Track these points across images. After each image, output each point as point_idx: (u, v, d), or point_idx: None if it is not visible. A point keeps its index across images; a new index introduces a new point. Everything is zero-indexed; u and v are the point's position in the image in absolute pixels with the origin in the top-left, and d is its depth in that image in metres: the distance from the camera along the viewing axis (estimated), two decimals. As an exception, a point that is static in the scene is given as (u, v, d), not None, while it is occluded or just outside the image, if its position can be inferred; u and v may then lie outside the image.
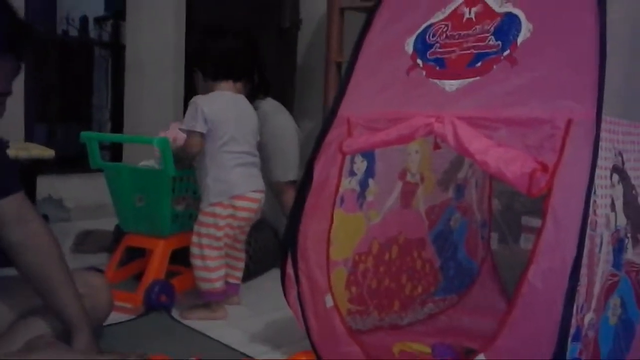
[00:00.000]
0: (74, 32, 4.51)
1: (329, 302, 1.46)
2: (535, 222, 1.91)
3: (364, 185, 1.60)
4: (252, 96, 2.19)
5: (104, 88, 4.35)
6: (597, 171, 0.97)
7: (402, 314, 1.77)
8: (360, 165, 1.57)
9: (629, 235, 1.10)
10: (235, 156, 1.81)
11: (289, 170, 2.39)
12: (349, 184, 1.55)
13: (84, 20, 4.46)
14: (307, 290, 1.45)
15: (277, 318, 1.76)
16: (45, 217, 2.72)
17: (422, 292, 1.83)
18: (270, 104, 2.42)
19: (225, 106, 1.83)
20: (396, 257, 1.75)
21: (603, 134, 0.99)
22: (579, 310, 0.97)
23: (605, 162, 1.01)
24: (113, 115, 3.89)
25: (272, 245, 2.33)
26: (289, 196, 2.25)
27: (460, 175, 1.89)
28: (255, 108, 2.03)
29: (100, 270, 1.90)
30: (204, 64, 1.89)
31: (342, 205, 1.54)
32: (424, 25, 1.31)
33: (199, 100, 1.81)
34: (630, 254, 1.10)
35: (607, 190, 1.02)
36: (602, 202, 1.00)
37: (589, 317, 1.00)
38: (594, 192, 0.97)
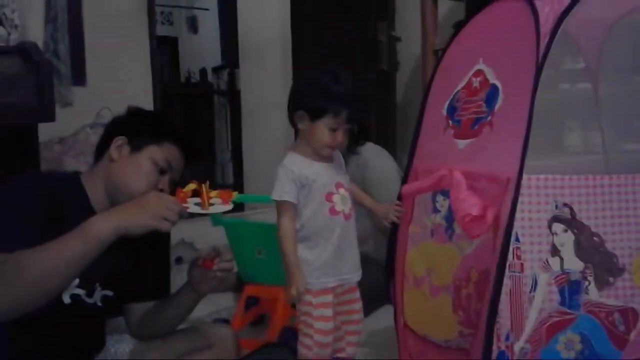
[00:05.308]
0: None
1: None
2: None
3: (449, 219, 1.82)
4: (354, 142, 2.27)
5: (224, 131, 4.61)
6: (520, 222, 1.16)
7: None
8: (443, 203, 1.81)
9: (589, 278, 1.20)
10: None
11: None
12: (435, 219, 1.81)
13: (203, 71, 4.87)
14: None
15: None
16: (180, 259, 2.94)
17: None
18: (370, 149, 2.47)
19: None
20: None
21: (534, 190, 1.16)
22: (506, 338, 1.16)
23: (537, 214, 1.17)
24: (234, 156, 3.99)
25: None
26: None
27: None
28: (356, 154, 2.18)
29: (226, 321, 2.08)
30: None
31: (433, 237, 1.79)
32: (455, 91, 1.56)
33: None
34: (595, 296, 1.19)
35: (541, 238, 1.17)
36: (532, 248, 1.17)
37: (519, 345, 1.17)
38: (517, 240, 1.15)
